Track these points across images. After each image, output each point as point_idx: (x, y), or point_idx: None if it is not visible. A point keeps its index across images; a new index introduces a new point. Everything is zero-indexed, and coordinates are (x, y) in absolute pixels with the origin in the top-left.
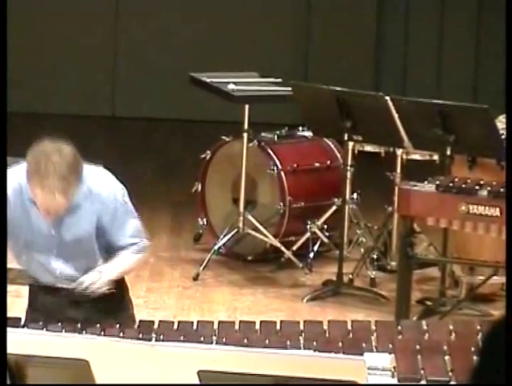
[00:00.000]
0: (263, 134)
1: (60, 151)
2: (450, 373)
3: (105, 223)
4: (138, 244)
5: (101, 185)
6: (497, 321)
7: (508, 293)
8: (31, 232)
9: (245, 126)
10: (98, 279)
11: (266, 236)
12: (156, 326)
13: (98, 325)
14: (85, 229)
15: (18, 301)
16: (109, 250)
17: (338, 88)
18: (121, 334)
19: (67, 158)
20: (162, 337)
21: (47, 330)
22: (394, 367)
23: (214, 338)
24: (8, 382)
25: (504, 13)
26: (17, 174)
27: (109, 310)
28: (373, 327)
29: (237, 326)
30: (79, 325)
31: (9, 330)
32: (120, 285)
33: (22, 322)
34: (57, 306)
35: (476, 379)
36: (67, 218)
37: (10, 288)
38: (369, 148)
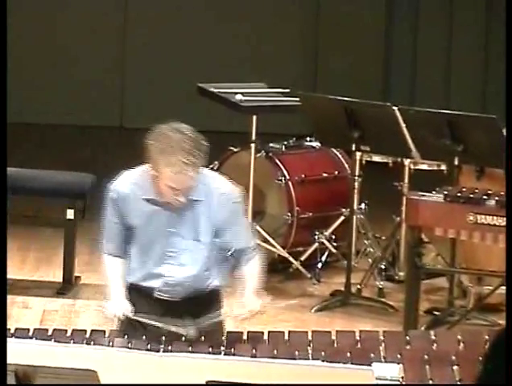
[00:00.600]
0: (271, 145)
1: (179, 129)
2: (458, 383)
3: (222, 221)
4: (251, 250)
5: (221, 183)
6: (501, 330)
7: (508, 298)
8: (150, 231)
9: (253, 137)
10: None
11: (274, 247)
12: (164, 336)
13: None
14: (203, 225)
15: (25, 312)
16: (222, 252)
17: (346, 99)
18: (130, 345)
19: (188, 134)
20: (170, 347)
21: (55, 341)
22: (403, 377)
23: (222, 348)
24: None
25: None
26: (129, 176)
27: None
28: (382, 337)
29: (245, 337)
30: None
31: (17, 340)
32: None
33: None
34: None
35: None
36: (186, 213)
37: (17, 299)
38: (376, 158)
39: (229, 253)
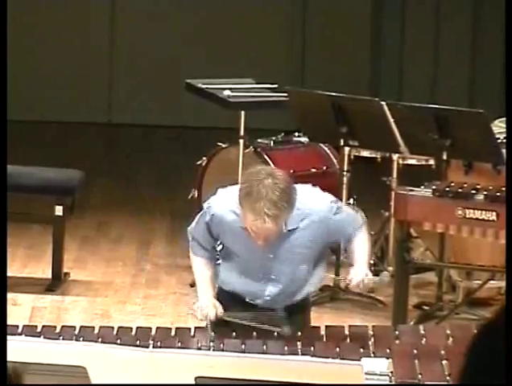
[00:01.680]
0: (259, 140)
1: (273, 176)
2: (447, 377)
3: (325, 236)
4: (357, 227)
5: (312, 203)
6: (484, 323)
7: (508, 293)
8: (247, 254)
9: (241, 132)
10: (367, 273)
11: None
12: (153, 332)
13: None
14: (301, 252)
15: (14, 309)
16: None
17: (334, 94)
18: (119, 341)
19: (280, 183)
20: (159, 344)
21: (44, 337)
22: (392, 372)
23: (211, 344)
24: None
25: (500, 17)
26: (228, 199)
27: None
28: (371, 332)
29: (234, 333)
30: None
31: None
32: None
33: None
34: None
35: (465, 380)
36: (283, 243)
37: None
38: (365, 153)
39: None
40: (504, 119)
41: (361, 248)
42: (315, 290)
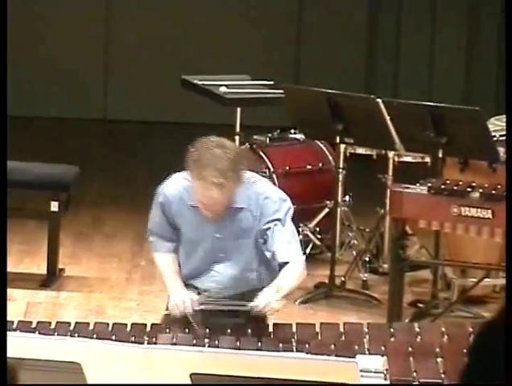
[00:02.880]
0: (255, 137)
1: (224, 146)
2: (442, 375)
3: (266, 225)
4: (294, 254)
5: (266, 189)
6: (486, 322)
7: (508, 293)
8: (196, 233)
9: (237, 129)
10: (273, 299)
11: None
12: (148, 329)
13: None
14: (247, 229)
15: (9, 305)
16: (264, 259)
17: (330, 91)
18: (114, 337)
19: (229, 153)
20: (154, 340)
21: (39, 333)
22: (387, 370)
23: (206, 340)
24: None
25: (496, 15)
26: (178, 180)
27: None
28: (366, 330)
29: (229, 329)
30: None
31: None
32: None
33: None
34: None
35: (465, 379)
36: (229, 220)
37: None
38: (360, 150)
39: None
40: (500, 117)
41: (286, 276)
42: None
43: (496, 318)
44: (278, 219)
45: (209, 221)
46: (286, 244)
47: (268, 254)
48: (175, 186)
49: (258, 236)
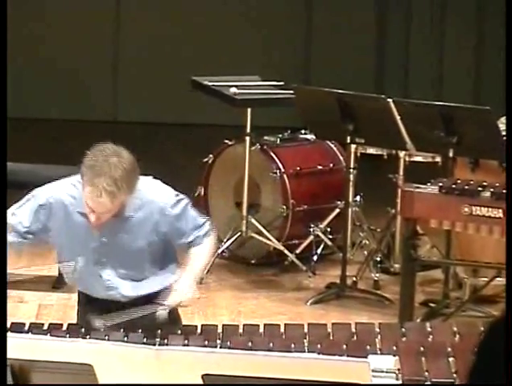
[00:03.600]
0: (266, 138)
1: (119, 155)
2: (454, 375)
3: (164, 231)
4: (199, 235)
5: (154, 195)
6: (494, 321)
7: (508, 293)
8: (81, 241)
9: (248, 130)
10: (181, 298)
11: (270, 240)
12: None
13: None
14: (138, 241)
15: (21, 307)
16: (167, 256)
17: (340, 91)
18: (126, 339)
19: (124, 163)
20: (166, 341)
21: (51, 335)
22: (399, 369)
23: (218, 341)
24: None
25: (504, 14)
26: (67, 185)
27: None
28: (377, 329)
29: (241, 330)
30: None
31: (13, 335)
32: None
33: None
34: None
35: (473, 379)
36: (119, 228)
37: (12, 293)
38: (371, 150)
39: (178, 245)
40: None
41: (194, 260)
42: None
43: (502, 317)
44: (177, 219)
45: (96, 228)
46: (191, 227)
47: (180, 245)
48: (61, 192)
49: (155, 238)
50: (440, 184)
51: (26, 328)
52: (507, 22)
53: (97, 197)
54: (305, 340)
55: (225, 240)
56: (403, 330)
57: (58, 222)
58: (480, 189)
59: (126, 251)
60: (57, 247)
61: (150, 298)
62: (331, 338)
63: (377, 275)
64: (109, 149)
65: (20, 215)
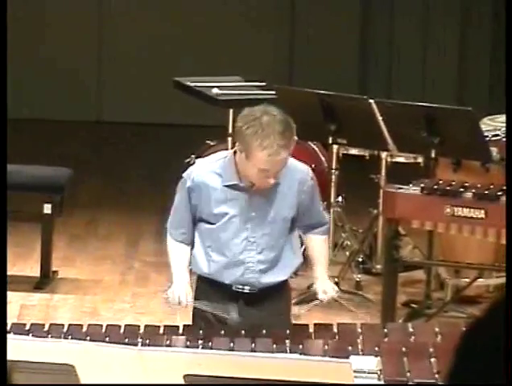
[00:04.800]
0: None
1: (269, 112)
2: (436, 375)
3: (298, 203)
4: (323, 226)
5: (295, 164)
6: (472, 322)
7: (508, 293)
8: (228, 219)
9: (230, 130)
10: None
11: None
12: (142, 330)
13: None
14: (281, 207)
15: None
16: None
17: (322, 92)
18: (107, 339)
19: (277, 116)
20: (148, 341)
21: (33, 335)
22: (381, 370)
23: (200, 342)
24: None
25: (488, 16)
26: (207, 165)
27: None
28: (359, 330)
29: (222, 331)
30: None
31: None
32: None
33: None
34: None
35: (452, 379)
36: (265, 196)
37: None
38: (353, 151)
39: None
40: (492, 117)
41: (325, 250)
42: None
43: (481, 317)
44: (311, 195)
45: (244, 199)
46: (317, 210)
47: (299, 223)
48: (203, 170)
49: (291, 214)
50: (422, 185)
51: (8, 328)
52: (507, 22)
53: (275, 156)
54: (287, 341)
55: None
56: (385, 330)
57: (204, 204)
58: (462, 190)
59: (272, 224)
60: (203, 224)
61: (277, 289)
62: (313, 338)
63: (360, 276)
64: (255, 112)
65: (177, 204)
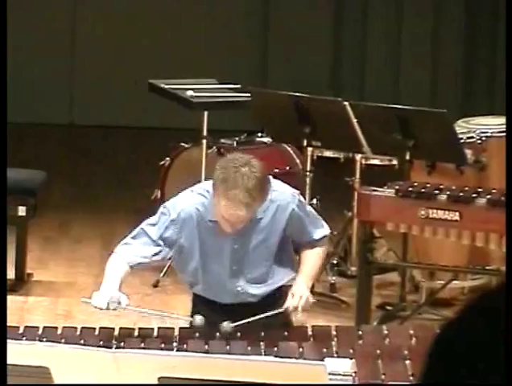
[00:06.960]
0: (222, 140)
1: (250, 164)
2: (411, 377)
3: (291, 229)
4: (325, 235)
5: (276, 194)
6: (445, 324)
7: (508, 292)
8: (214, 247)
9: (204, 133)
10: (301, 300)
11: None
12: (117, 333)
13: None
14: (268, 241)
15: None
16: (284, 254)
17: (297, 94)
18: (82, 342)
19: (256, 172)
20: (122, 344)
21: (8, 338)
22: (355, 372)
23: (175, 344)
24: None
25: (461, 17)
26: (193, 198)
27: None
28: (334, 332)
29: (197, 333)
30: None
31: None
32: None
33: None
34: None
35: (425, 380)
36: (250, 232)
37: None
38: (328, 153)
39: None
40: (467, 119)
41: (313, 260)
42: (284, 283)
43: (455, 319)
44: (296, 218)
45: (228, 235)
46: (309, 229)
47: (303, 243)
48: (190, 204)
49: (279, 237)
50: (397, 187)
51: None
52: (507, 22)
53: (233, 210)
54: (262, 343)
55: None
56: (360, 333)
57: (193, 234)
58: (436, 192)
59: (256, 254)
60: (185, 257)
61: (275, 297)
62: (287, 340)
63: (334, 278)
64: (239, 161)
65: (150, 230)
